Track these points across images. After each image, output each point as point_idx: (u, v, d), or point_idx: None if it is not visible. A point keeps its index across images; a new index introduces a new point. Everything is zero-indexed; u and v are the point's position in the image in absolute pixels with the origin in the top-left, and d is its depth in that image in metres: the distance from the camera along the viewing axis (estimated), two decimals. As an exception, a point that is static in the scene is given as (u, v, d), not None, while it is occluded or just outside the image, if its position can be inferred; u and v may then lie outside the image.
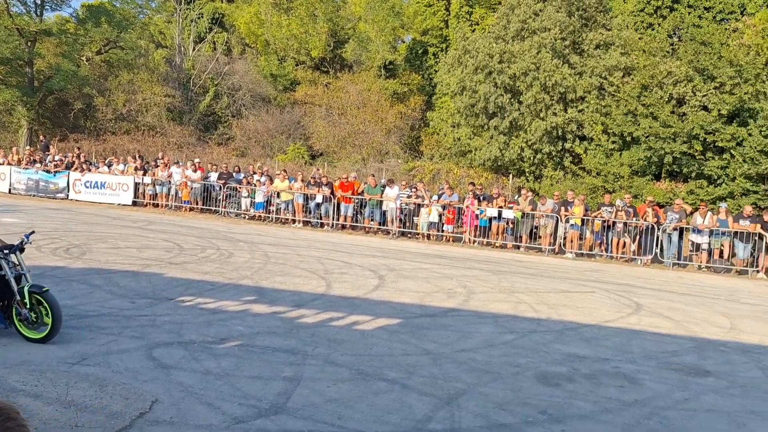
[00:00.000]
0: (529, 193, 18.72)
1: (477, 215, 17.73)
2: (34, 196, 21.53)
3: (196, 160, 22.54)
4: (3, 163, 22.67)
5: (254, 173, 20.79)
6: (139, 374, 5.23)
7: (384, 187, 19.09)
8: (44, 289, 5.95)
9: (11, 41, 27.66)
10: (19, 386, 4.79)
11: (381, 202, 18.64)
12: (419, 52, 31.69)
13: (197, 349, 6.01)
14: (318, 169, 22.22)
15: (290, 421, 4.50)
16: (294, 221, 19.39)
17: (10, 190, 21.98)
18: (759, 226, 15.26)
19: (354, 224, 19.00)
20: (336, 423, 4.52)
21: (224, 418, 4.45)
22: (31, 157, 23.10)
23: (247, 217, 19.86)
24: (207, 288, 8.83)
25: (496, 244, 17.66)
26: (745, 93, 18.32)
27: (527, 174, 22.60)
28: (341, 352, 6.25)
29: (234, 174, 20.87)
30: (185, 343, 6.18)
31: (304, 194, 19.20)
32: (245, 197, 20.02)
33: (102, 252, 11.19)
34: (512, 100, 21.80)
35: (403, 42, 34.58)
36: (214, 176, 20.78)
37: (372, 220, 18.88)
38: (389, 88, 29.61)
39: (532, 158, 22.04)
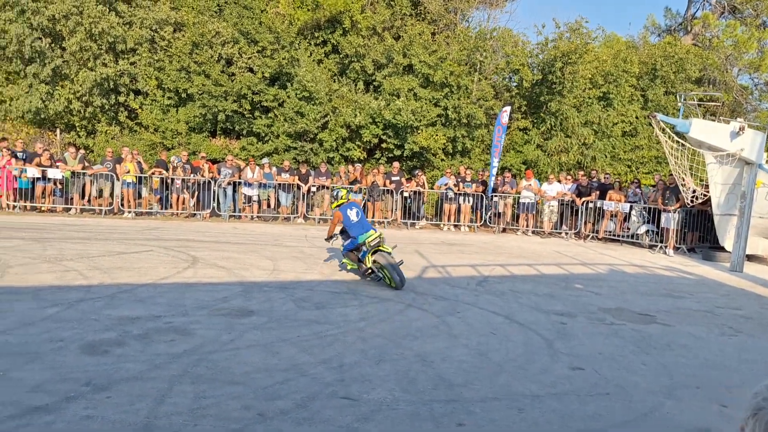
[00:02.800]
0: (80, 150, 17.23)
1: (15, 176, 15.48)
2: None
3: None
4: None
5: None
6: None
7: None
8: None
9: None
10: None
11: None
12: None
13: None
14: None
15: None
16: None
17: None
18: (296, 178, 17.55)
19: None
20: None
21: None
22: None
23: None
24: None
25: (43, 209, 15.82)
26: (283, 58, 20.48)
27: (78, 129, 20.70)
28: None
29: None
30: None
31: None
32: None
33: None
34: (54, 45, 19.45)
35: None
36: None
37: None
38: None
39: (82, 111, 20.24)
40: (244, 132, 20.95)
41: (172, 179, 16.60)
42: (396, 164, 18.81)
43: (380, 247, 9.09)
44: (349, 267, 9.60)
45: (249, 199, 17.52)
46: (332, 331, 6.61)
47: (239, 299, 7.76)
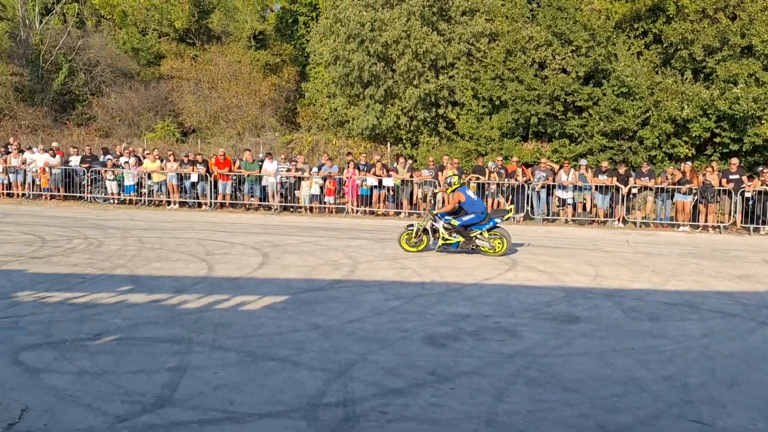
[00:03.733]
0: (408, 161, 19.07)
1: (358, 185, 17.86)
2: None
3: (54, 143, 20.75)
4: None
5: (121, 154, 19.50)
6: (5, 382, 4.78)
7: (262, 161, 18.66)
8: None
9: None
10: None
11: (260, 177, 18.22)
12: (289, 21, 30.94)
13: (69, 348, 5.59)
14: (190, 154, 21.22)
15: (178, 412, 4.32)
16: (169, 203, 18.48)
17: None
18: (615, 179, 16.63)
19: (233, 202, 18.46)
20: (227, 409, 4.40)
21: (105, 418, 4.19)
22: None
23: (116, 201, 18.66)
24: (76, 281, 8.22)
25: (379, 212, 17.92)
26: (599, 55, 19.65)
27: (404, 141, 22.99)
28: (228, 335, 6.09)
29: (100, 157, 19.45)
30: (55, 342, 5.73)
31: (178, 174, 18.32)
32: (110, 180, 18.72)
33: (-52, 252, 10.07)
34: (386, 68, 21.96)
35: (272, 11, 33.61)
36: (75, 160, 19.23)
37: (252, 196, 18.45)
38: (261, 60, 28.75)
39: (408, 125, 22.42)
40: (556, 134, 20.67)
41: (488, 183, 17.25)
42: (734, 161, 16.45)
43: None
44: (440, 245, 10.99)
45: (563, 202, 17.22)
46: (670, 346, 6.04)
47: (563, 304, 7.64)
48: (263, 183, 18.27)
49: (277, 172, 17.96)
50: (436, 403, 4.56)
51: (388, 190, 17.99)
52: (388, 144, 23.53)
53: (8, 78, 27.72)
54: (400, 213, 17.85)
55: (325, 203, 18.14)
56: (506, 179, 17.18)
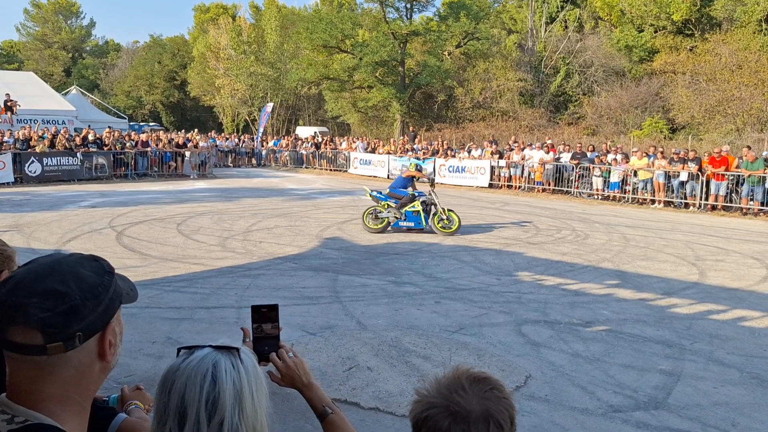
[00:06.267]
0: None
1: None
2: (406, 180, 24.43)
3: (548, 141, 22.61)
4: (383, 153, 26.32)
5: (608, 152, 19.87)
6: (511, 348, 5.46)
7: (767, 160, 16.23)
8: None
9: (388, 45, 31.80)
10: (411, 347, 5.47)
11: (764, 178, 15.90)
12: (818, -6, 25.90)
13: (563, 330, 6.00)
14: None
15: (673, 419, 4.14)
16: (653, 201, 17.94)
17: (388, 175, 25.37)
18: None
19: (727, 204, 16.65)
20: (729, 430, 3.99)
21: (600, 404, 4.34)
22: (404, 146, 26.30)
23: (600, 197, 19.14)
24: (566, 269, 8.78)
25: None
26: None
27: None
28: (726, 350, 5.52)
29: (588, 154, 20.30)
30: (551, 322, 6.24)
31: (665, 172, 17.57)
32: (596, 176, 19.28)
33: (466, 231, 12.10)
34: None
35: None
36: (566, 156, 20.54)
37: (751, 199, 16.27)
38: (773, 44, 25.01)
39: None
40: None
41: None
42: None
43: None
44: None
45: None
46: None
47: None
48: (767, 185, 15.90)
49: (787, 174, 15.35)
50: None
51: None
52: None
53: (515, 84, 31.54)
54: None
55: None
56: None
